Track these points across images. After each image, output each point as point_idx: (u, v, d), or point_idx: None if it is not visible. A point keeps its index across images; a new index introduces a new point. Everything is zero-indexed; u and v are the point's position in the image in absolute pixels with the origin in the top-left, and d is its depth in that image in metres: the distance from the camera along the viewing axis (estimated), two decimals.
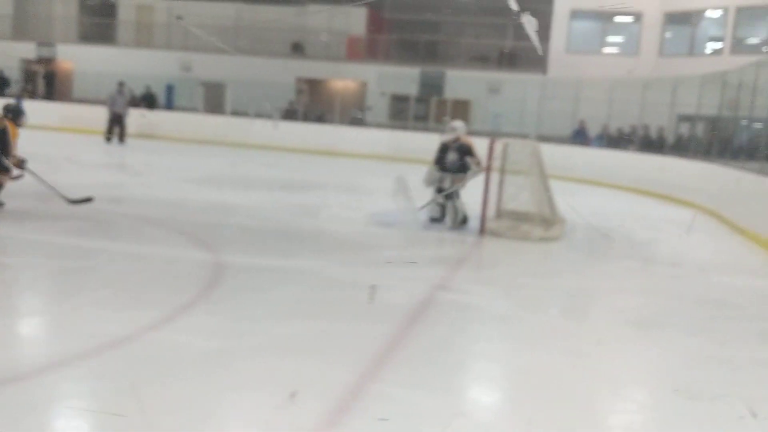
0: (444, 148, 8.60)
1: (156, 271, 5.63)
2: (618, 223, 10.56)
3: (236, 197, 9.83)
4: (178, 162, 14.61)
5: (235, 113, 21.00)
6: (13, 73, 23.41)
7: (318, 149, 18.69)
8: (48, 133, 18.44)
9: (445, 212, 8.55)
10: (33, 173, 7.54)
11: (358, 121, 21.41)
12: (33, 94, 21.94)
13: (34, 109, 19.89)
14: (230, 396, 3.30)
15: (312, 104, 23.33)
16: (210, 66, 22.60)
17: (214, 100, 20.54)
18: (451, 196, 8.45)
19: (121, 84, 18.23)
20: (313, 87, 24.90)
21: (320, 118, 21.12)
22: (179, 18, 25.07)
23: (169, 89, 23.00)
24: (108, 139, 17.58)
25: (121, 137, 17.65)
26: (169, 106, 22.41)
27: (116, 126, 17.67)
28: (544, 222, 8.53)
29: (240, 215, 8.71)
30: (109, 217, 8.03)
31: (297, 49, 24.13)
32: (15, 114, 7.46)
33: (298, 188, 10.51)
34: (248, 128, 19.64)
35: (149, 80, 21.86)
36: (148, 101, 21.49)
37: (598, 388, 3.90)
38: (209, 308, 4.69)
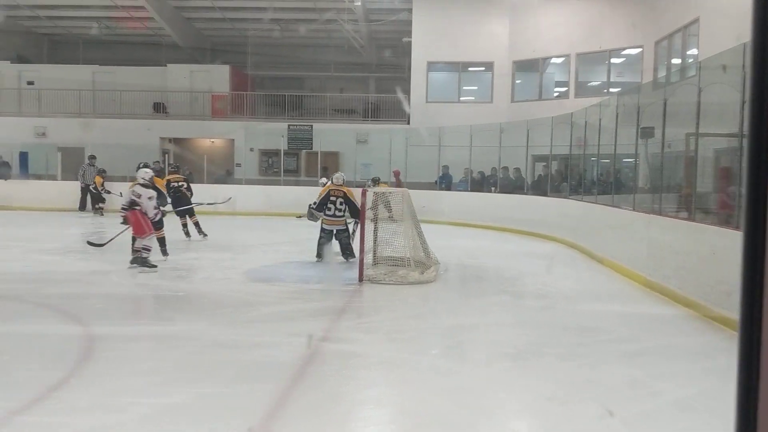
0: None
1: (21, 349, 5.28)
2: (487, 260, 11.03)
3: (104, 265, 9.38)
4: (38, 233, 13.78)
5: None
6: None
7: None
8: None
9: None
10: None
11: (225, 179, 21.20)
12: None
13: None
14: None
15: (179, 163, 22.80)
16: (67, 130, 21.65)
17: (73, 166, 19.61)
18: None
19: (92, 157, 19.04)
20: (179, 146, 24.42)
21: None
22: (30, 83, 23.96)
23: (23, 156, 21.76)
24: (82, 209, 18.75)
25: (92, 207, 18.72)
26: (24, 173, 21.17)
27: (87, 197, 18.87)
28: (420, 265, 8.79)
29: (109, 284, 8.34)
30: None
31: (159, 109, 23.66)
32: None
33: (171, 251, 10.21)
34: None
35: (0, 148, 20.64)
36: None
37: (484, 423, 4.05)
38: (84, 384, 4.45)
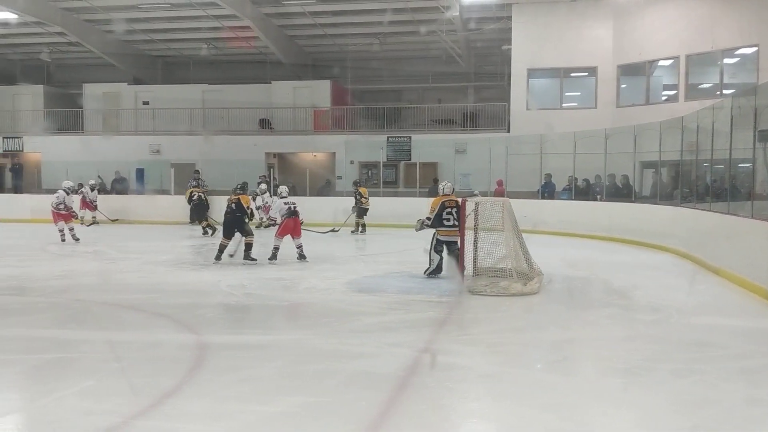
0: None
1: (138, 357, 5.56)
2: (593, 271, 10.68)
3: (213, 276, 9.78)
4: (152, 245, 14.52)
5: (208, 192, 21.04)
6: None
7: None
8: (19, 225, 18.34)
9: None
10: None
11: (326, 191, 21.63)
12: None
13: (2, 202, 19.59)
14: None
15: (283, 177, 23.52)
16: (179, 147, 22.77)
17: (185, 181, 20.58)
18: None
19: (197, 172, 19.88)
20: (283, 160, 25.14)
21: (291, 191, 21.21)
22: (145, 103, 25.39)
23: (140, 172, 23.08)
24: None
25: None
26: (140, 188, 22.46)
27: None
28: (522, 276, 8.60)
29: (218, 294, 8.66)
30: (85, 305, 7.96)
31: (265, 125, 24.48)
32: None
33: (278, 264, 10.57)
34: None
35: (119, 165, 21.97)
36: (119, 186, 21.58)
37: None
38: (196, 391, 4.63)
